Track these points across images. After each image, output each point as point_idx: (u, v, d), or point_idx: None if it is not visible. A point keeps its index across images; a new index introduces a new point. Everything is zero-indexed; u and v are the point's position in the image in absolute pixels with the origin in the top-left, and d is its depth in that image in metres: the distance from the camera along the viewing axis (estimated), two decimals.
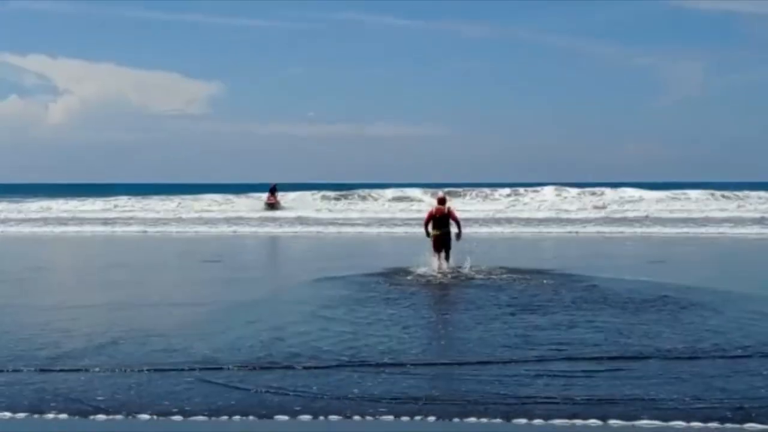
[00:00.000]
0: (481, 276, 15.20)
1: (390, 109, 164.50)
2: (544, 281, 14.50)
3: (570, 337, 9.52)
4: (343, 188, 54.25)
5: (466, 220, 27.45)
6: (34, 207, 46.48)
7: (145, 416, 6.46)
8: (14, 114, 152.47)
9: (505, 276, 15.10)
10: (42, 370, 7.85)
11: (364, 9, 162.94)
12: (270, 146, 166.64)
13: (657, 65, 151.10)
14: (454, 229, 16.26)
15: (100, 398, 6.92)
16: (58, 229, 32.68)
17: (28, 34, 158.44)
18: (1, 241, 28.38)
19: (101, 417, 6.48)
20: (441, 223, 16.32)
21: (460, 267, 15.95)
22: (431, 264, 15.99)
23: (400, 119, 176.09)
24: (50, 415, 6.49)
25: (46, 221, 36.91)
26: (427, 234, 16.38)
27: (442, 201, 16.83)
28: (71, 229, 33.03)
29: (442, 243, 16.17)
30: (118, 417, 6.46)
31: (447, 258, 16.12)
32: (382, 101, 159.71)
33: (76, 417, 6.47)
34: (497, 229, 30.81)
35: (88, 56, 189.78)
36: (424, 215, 17.46)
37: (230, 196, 50.00)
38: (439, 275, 15.41)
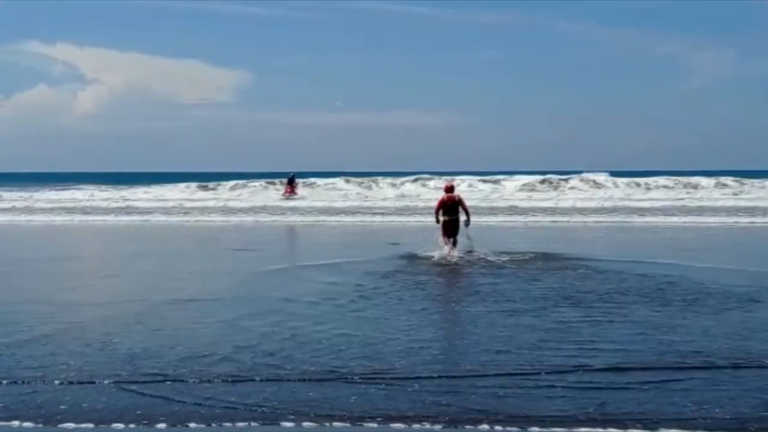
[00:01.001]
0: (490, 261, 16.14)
1: (413, 98, 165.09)
2: (569, 270, 14.75)
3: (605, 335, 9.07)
4: (365, 176, 54.74)
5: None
6: (61, 196, 48.24)
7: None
8: (43, 103, 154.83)
9: (539, 263, 15.88)
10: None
11: None
12: (295, 135, 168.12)
13: (681, 53, 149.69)
14: (462, 217, 17.20)
15: None
16: (77, 219, 33.88)
17: (55, 23, 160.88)
18: (53, 230, 29.10)
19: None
20: (451, 210, 17.25)
21: (470, 251, 16.93)
22: (441, 249, 16.91)
23: (423, 107, 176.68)
24: None
25: (70, 210, 38.11)
26: (437, 221, 17.31)
27: (450, 189, 17.78)
28: (91, 218, 34.07)
29: (451, 229, 17.10)
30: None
31: (455, 244, 17.03)
32: (406, 90, 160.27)
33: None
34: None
35: (114, 45, 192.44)
36: (435, 203, 18.41)
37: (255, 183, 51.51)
38: (451, 259, 16.35)
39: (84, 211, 37.95)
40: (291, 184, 46.39)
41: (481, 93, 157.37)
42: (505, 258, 16.32)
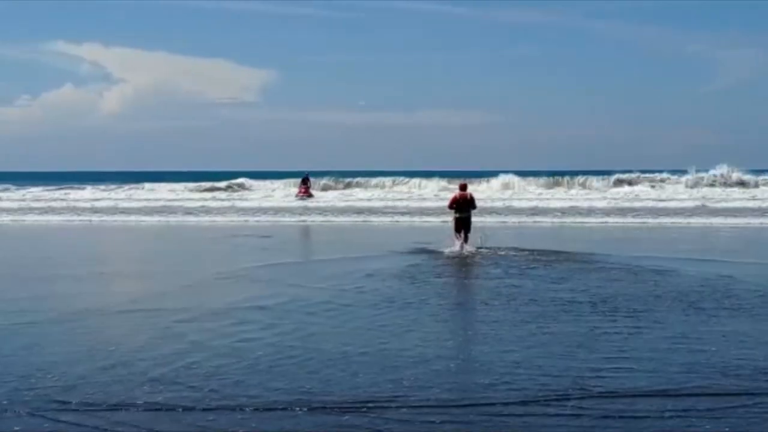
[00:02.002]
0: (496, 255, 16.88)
1: (439, 96, 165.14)
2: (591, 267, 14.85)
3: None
4: (389, 176, 54.11)
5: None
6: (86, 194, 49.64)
7: None
8: (70, 102, 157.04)
9: (542, 258, 16.63)
10: None
11: None
12: (321, 134, 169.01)
13: (710, 51, 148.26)
14: (474, 212, 18.09)
15: None
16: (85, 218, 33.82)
17: (82, 22, 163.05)
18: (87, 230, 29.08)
19: None
20: (463, 207, 18.04)
21: (480, 247, 17.69)
22: (454, 244, 17.70)
23: (449, 106, 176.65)
24: None
25: (93, 210, 38.21)
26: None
27: (464, 187, 18.59)
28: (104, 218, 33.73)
29: (463, 224, 17.90)
30: None
31: (466, 239, 17.81)
32: (432, 88, 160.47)
33: None
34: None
35: (140, 44, 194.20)
36: (448, 200, 19.19)
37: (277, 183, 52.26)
38: (464, 253, 17.16)
39: (77, 211, 37.76)
40: (305, 184, 45.53)
41: (507, 92, 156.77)
42: (514, 253, 17.08)
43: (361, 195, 46.90)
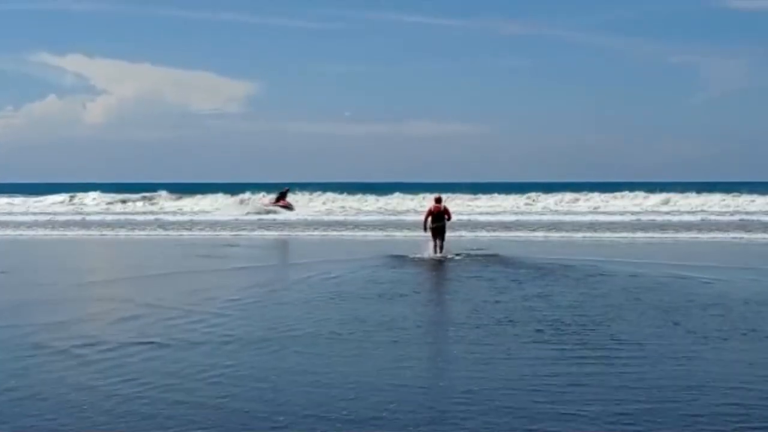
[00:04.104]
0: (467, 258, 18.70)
1: (426, 108, 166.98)
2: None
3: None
4: (377, 188, 53.60)
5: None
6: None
7: None
8: (53, 113, 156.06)
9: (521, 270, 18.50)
10: None
11: (399, 8, 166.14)
12: (307, 145, 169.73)
13: (695, 62, 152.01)
14: (448, 223, 19.91)
15: None
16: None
17: (65, 34, 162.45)
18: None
19: None
20: (438, 218, 19.92)
21: (458, 254, 19.61)
22: (429, 250, 19.55)
23: (437, 117, 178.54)
24: None
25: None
26: (425, 228, 19.91)
27: (438, 200, 20.49)
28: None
29: (438, 233, 19.75)
30: None
31: (441, 247, 19.67)
32: (419, 99, 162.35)
33: None
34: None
35: (124, 56, 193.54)
36: (424, 212, 21.00)
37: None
38: (436, 258, 19.00)
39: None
40: (283, 198, 45.22)
41: (494, 103, 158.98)
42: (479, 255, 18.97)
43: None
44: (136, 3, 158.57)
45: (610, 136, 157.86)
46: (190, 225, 34.51)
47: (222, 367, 8.40)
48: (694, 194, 48.22)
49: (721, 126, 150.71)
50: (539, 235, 28.79)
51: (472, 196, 50.26)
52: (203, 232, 30.72)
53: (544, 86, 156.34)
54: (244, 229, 32.05)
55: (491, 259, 18.88)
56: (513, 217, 39.07)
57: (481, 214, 41.46)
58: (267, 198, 46.60)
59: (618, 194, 49.83)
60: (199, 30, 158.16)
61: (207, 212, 45.13)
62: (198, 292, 14.01)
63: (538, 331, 10.23)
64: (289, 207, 44.23)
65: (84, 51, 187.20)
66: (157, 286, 15.44)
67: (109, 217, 40.91)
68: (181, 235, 29.95)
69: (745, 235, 27.55)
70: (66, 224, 36.07)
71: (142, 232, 31.19)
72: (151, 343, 9.68)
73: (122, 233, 30.48)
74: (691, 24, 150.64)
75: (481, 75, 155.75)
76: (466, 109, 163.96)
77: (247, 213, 42.05)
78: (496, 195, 51.35)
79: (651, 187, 50.37)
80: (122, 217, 41.54)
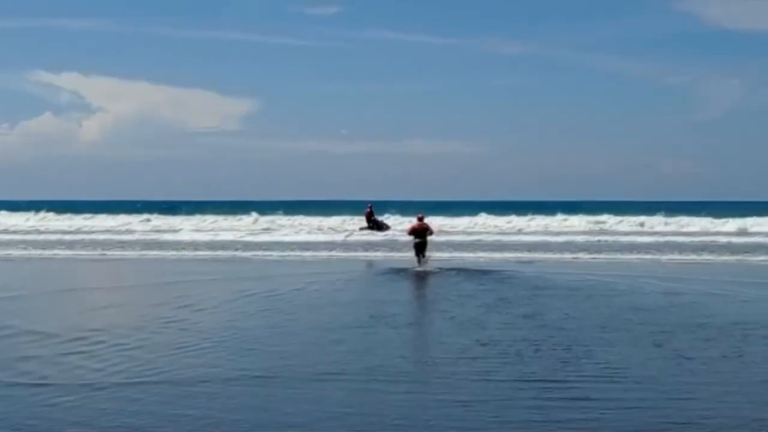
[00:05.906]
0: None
1: (423, 126, 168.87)
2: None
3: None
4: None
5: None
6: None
7: None
8: (49, 131, 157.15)
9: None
10: None
11: (397, 28, 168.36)
12: (305, 163, 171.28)
13: (694, 83, 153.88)
14: (430, 239, 22.68)
15: None
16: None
17: (61, 52, 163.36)
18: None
19: None
20: (420, 234, 22.66)
21: (440, 268, 22.29)
22: (414, 263, 22.29)
23: (433, 135, 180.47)
24: None
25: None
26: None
27: (421, 219, 23.26)
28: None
29: (420, 248, 22.47)
30: None
31: (424, 259, 22.37)
32: (416, 119, 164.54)
33: None
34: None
35: (120, 74, 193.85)
36: (408, 228, 23.81)
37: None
38: (420, 269, 21.71)
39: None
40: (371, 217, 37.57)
41: (490, 122, 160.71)
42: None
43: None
44: (132, 21, 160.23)
45: (609, 154, 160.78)
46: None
47: None
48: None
49: (720, 145, 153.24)
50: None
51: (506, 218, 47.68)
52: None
53: (540, 105, 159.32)
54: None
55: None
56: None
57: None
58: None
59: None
60: (195, 48, 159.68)
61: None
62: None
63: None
64: (382, 227, 37.05)
65: (80, 69, 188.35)
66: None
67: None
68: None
69: None
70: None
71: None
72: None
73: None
74: (691, 44, 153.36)
75: (478, 94, 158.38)
76: (463, 128, 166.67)
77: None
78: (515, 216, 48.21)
79: (651, 206, 50.43)
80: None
